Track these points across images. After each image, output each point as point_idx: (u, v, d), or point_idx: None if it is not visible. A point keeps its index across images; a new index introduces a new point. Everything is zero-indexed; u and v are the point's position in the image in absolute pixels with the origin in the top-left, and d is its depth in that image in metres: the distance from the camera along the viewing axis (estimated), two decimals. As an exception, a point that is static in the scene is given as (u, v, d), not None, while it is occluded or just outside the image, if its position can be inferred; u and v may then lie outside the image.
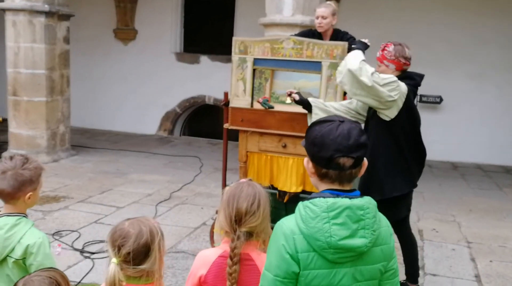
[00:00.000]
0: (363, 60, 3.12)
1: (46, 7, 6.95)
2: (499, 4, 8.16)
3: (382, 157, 3.23)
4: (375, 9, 8.52)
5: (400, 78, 3.21)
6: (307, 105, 3.50)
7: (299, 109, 3.72)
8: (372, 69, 3.10)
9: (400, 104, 3.15)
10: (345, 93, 3.81)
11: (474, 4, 8.25)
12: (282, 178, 3.80)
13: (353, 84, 3.12)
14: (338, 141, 1.49)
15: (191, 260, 4.11)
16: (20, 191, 2.12)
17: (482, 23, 8.27)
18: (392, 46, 3.25)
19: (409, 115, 3.22)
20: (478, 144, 8.53)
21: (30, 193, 2.15)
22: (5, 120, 7.67)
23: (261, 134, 3.83)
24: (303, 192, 3.73)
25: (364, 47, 3.33)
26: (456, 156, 8.58)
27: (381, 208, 3.42)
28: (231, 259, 1.87)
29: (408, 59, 3.27)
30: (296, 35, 4.57)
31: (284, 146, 3.77)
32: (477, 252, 4.58)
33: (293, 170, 3.76)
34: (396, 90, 3.10)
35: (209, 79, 9.46)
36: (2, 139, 7.93)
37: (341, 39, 4.06)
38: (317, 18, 4.23)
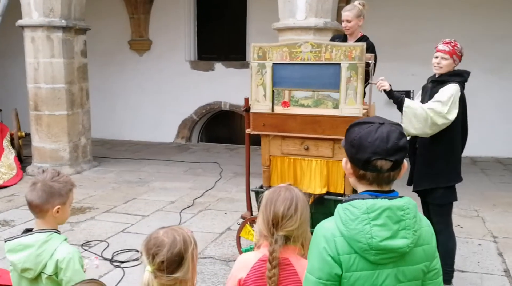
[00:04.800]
0: (423, 107, 3.41)
1: (63, 22, 7.07)
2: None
3: (443, 148, 3.50)
4: (388, 7, 8.49)
5: (452, 75, 3.55)
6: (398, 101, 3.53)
7: (320, 111, 3.76)
8: (437, 106, 3.38)
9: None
10: (364, 96, 3.83)
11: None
12: (306, 181, 3.82)
13: (432, 131, 3.44)
14: (376, 144, 1.48)
15: (219, 265, 4.17)
16: (48, 204, 2.13)
17: (498, 18, 8.21)
18: (458, 43, 3.61)
19: (463, 110, 3.53)
20: (497, 139, 8.47)
21: (58, 206, 2.15)
22: (27, 135, 7.79)
23: (283, 137, 3.85)
24: (328, 193, 3.76)
25: (393, 92, 3.54)
26: (475, 150, 8.46)
27: (438, 192, 3.50)
28: (270, 262, 1.88)
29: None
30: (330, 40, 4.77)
31: (307, 149, 3.80)
32: (504, 246, 4.55)
33: (316, 172, 3.78)
34: (457, 99, 3.44)
35: (224, 85, 9.52)
36: (25, 153, 8.05)
37: None
38: (343, 21, 4.37)
